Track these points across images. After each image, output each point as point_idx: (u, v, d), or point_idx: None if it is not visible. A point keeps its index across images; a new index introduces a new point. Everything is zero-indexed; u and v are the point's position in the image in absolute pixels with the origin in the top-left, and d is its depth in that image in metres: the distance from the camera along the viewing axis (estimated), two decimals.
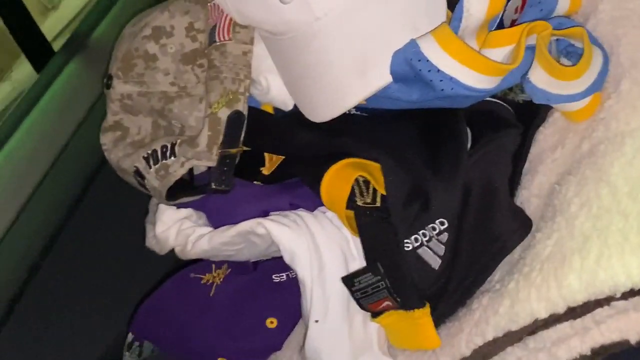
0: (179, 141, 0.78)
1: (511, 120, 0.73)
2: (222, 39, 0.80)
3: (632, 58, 0.67)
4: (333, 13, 0.71)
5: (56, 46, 1.21)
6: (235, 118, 0.77)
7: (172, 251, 0.81)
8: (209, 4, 0.82)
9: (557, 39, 0.71)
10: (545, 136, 0.73)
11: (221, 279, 0.84)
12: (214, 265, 0.84)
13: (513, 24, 0.72)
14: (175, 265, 0.87)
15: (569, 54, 0.72)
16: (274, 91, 0.80)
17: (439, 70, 0.65)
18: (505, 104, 0.74)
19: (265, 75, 0.80)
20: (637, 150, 0.61)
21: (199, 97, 0.82)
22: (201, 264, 0.85)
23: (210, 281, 0.84)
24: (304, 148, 0.76)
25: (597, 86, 0.68)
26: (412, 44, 0.66)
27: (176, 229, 0.80)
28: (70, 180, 0.98)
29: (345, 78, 0.72)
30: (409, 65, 0.67)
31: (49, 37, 1.26)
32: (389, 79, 0.69)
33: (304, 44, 0.73)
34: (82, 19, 1.29)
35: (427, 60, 0.65)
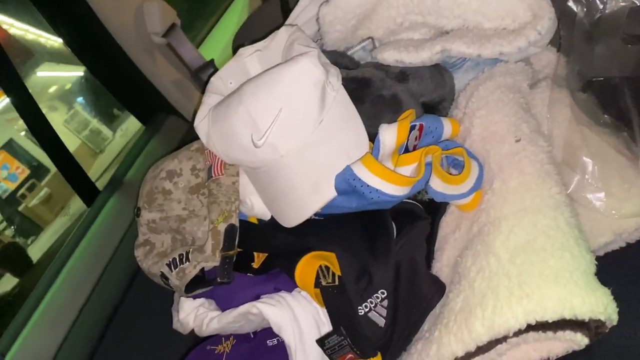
0: (191, 250, 0.77)
1: (422, 214, 0.73)
2: (216, 174, 0.80)
3: (499, 165, 0.68)
4: (293, 151, 0.72)
5: (102, 181, 1.21)
6: (230, 229, 0.76)
7: (192, 331, 0.79)
8: (205, 150, 0.84)
9: (446, 156, 0.73)
10: (446, 223, 0.74)
11: (229, 348, 0.81)
12: (223, 338, 0.82)
13: (415, 148, 0.73)
14: (196, 340, 0.85)
15: (456, 165, 0.73)
16: (257, 208, 0.80)
17: (368, 186, 0.66)
18: (417, 203, 0.75)
19: (249, 197, 0.80)
20: (510, 229, 0.62)
21: (203, 216, 0.82)
22: (214, 338, 0.82)
23: (222, 351, 0.80)
24: (281, 247, 0.76)
25: (477, 186, 0.69)
26: (348, 169, 0.68)
27: (194, 314, 0.77)
28: (116, 284, 0.96)
29: (305, 195, 0.72)
30: (348, 183, 0.68)
31: (98, 174, 1.26)
32: (334, 193, 0.70)
33: (274, 174, 0.74)
34: (119, 162, 1.29)
35: (360, 179, 0.66)
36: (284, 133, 0.71)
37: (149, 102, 1.31)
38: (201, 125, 0.80)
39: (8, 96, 1.15)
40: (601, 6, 0.79)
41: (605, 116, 0.72)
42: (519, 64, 0.79)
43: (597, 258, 0.59)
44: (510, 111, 0.71)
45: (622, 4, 0.78)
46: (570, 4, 0.80)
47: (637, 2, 0.78)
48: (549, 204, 0.62)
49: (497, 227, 0.63)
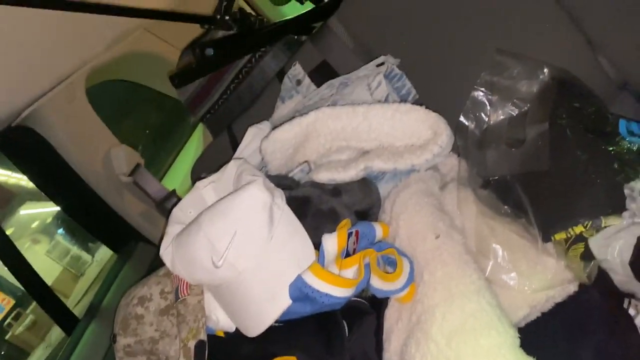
0: None
1: (368, 310, 0.72)
2: (183, 295, 0.77)
3: (425, 259, 0.69)
4: (249, 267, 0.70)
5: (84, 303, 1.14)
6: (199, 345, 0.72)
7: None
8: (172, 275, 0.81)
9: (381, 256, 0.73)
10: (390, 315, 0.72)
11: None
12: None
13: (355, 251, 0.72)
14: None
15: (390, 263, 0.73)
16: (222, 321, 0.76)
17: (319, 291, 0.65)
18: (362, 300, 0.74)
19: (214, 312, 0.76)
20: (443, 315, 0.61)
21: (174, 335, 0.78)
22: None
23: None
24: (247, 355, 0.72)
25: (410, 280, 0.69)
26: (299, 278, 0.67)
27: None
28: None
29: (263, 306, 0.70)
30: (300, 291, 0.66)
31: (80, 295, 1.19)
32: (289, 301, 0.68)
33: (235, 289, 0.72)
34: (98, 284, 1.23)
35: (310, 286, 0.65)
36: (240, 252, 0.70)
37: (119, 232, 1.28)
38: (166, 253, 0.78)
39: None
40: (486, 119, 0.85)
41: (505, 207, 0.74)
42: (428, 171, 0.82)
43: (519, 330, 0.59)
44: (427, 212, 0.73)
45: (502, 117, 0.85)
46: (462, 119, 0.85)
47: (513, 113, 0.85)
48: (471, 289, 0.62)
49: (431, 315, 0.62)
